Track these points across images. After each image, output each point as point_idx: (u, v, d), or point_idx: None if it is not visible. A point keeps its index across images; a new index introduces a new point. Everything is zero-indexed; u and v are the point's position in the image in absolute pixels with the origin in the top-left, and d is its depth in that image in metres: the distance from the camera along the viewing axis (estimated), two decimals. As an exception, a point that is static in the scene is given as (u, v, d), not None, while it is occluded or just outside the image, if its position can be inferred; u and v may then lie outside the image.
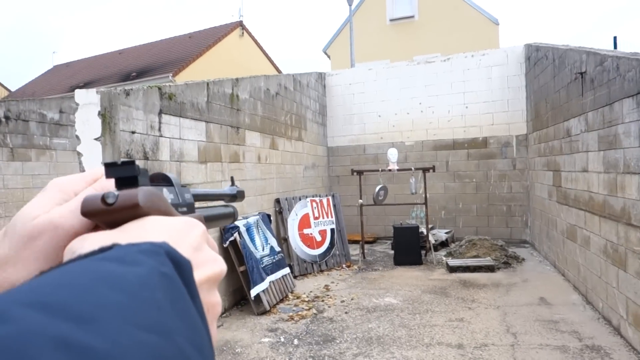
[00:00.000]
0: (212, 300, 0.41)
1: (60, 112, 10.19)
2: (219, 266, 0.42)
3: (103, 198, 0.40)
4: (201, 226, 0.44)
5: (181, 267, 0.35)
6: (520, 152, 10.77)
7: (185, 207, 0.52)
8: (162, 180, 0.52)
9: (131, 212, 0.41)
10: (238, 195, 0.77)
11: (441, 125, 11.51)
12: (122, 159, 0.43)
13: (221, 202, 0.74)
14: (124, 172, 0.43)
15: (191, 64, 20.16)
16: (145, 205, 0.41)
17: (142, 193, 0.41)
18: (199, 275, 0.38)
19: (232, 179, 0.85)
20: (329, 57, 24.65)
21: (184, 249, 0.39)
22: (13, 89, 28.33)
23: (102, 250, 0.34)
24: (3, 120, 8.93)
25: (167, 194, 0.48)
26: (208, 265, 0.41)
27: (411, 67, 11.84)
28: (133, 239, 0.37)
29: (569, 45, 7.46)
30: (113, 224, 0.41)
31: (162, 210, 0.43)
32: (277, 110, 8.98)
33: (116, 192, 0.41)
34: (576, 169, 6.58)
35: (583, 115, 6.24)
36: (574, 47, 6.96)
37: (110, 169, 0.43)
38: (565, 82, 7.18)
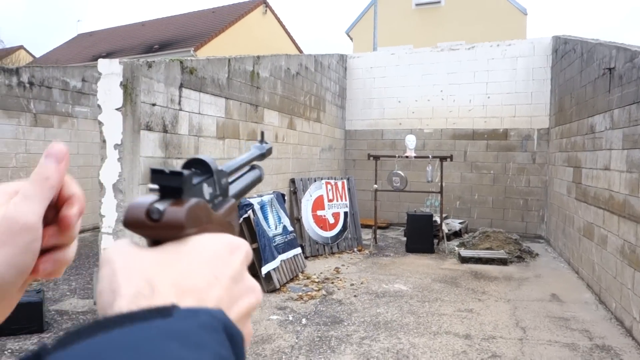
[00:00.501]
0: (246, 331, 0.40)
1: (83, 80, 10.25)
2: (256, 296, 0.42)
3: (148, 212, 0.40)
4: (242, 248, 0.43)
5: (234, 339, 0.35)
6: (541, 146, 10.64)
7: (221, 195, 0.51)
8: (199, 166, 0.49)
9: (173, 233, 0.40)
10: (267, 153, 0.74)
11: (461, 115, 11.40)
12: (170, 168, 0.43)
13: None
14: (169, 182, 0.42)
15: (213, 39, 20.12)
16: (188, 225, 0.40)
17: (187, 214, 0.40)
18: (238, 308, 0.39)
19: (262, 134, 0.80)
20: (351, 39, 24.46)
21: (224, 283, 0.38)
22: (38, 56, 28.52)
23: (160, 311, 0.33)
24: (27, 85, 9.00)
25: (206, 189, 0.47)
26: (246, 297, 0.41)
27: (434, 53, 11.69)
28: (177, 274, 0.37)
29: (598, 39, 7.31)
30: (152, 238, 0.41)
31: (203, 223, 0.43)
32: (296, 90, 8.94)
33: (161, 207, 0.40)
34: (598, 166, 6.48)
35: (609, 112, 6.12)
36: (603, 42, 6.81)
37: (157, 175, 0.42)
38: (592, 77, 7.05)
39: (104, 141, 4.57)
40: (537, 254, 8.65)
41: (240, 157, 0.65)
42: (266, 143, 0.75)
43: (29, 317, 4.82)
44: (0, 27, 53.65)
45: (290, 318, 5.35)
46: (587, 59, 7.45)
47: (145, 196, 0.43)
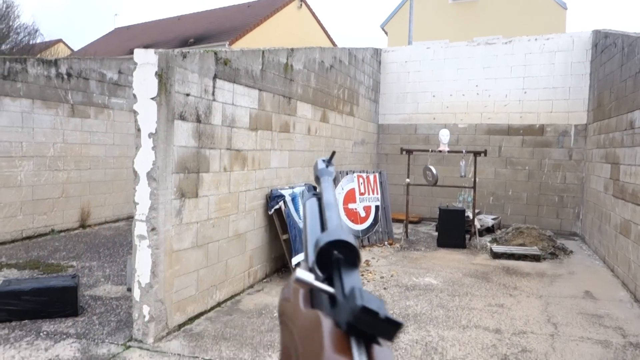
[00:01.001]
0: None
1: (119, 72, 10.45)
2: None
3: None
4: None
5: None
6: (578, 142, 10.41)
7: None
8: (344, 249, 0.40)
9: None
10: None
11: (497, 110, 11.23)
12: (385, 312, 0.35)
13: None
14: (377, 329, 0.35)
15: (248, 33, 20.25)
16: None
17: None
18: None
19: (332, 154, 0.69)
20: (386, 33, 24.30)
21: None
22: (76, 49, 29.17)
23: None
24: (65, 77, 9.22)
25: None
26: None
27: (470, 47, 11.54)
28: None
29: (640, 32, 7.10)
30: None
31: None
32: (330, 83, 8.94)
33: None
34: (637, 162, 6.31)
35: (649, 107, 5.96)
36: (645, 35, 6.62)
37: (367, 315, 0.34)
38: (633, 72, 6.86)
39: (139, 130, 4.66)
40: (571, 251, 8.48)
41: (330, 200, 0.53)
42: (332, 165, 0.65)
43: (64, 301, 4.96)
44: (40, 21, 55.03)
45: (319, 308, 5.37)
46: (628, 52, 7.25)
47: (332, 338, 0.34)
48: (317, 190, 0.60)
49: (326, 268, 0.39)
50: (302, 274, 0.36)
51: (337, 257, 0.38)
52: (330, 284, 0.39)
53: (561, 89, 10.60)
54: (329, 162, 0.64)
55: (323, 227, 0.46)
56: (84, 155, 9.64)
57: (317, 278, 0.38)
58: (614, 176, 7.45)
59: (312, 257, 0.40)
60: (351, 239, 0.39)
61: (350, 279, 0.37)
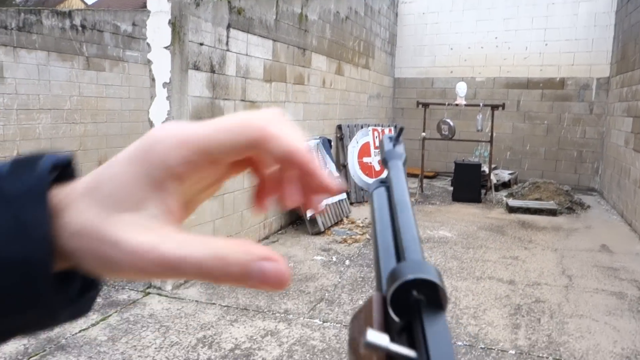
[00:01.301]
0: None
1: (133, 24, 10.34)
2: None
3: None
4: None
5: None
6: (600, 96, 10.18)
7: None
8: (424, 288, 0.29)
9: None
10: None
11: (516, 63, 10.98)
12: None
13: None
14: None
15: (263, -15, 19.85)
16: None
17: None
18: None
19: (400, 131, 0.54)
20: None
21: None
22: (90, 3, 28.89)
23: None
24: (80, 29, 9.15)
25: None
26: None
27: (491, -2, 11.21)
28: None
29: (668, -21, 6.84)
30: None
31: None
32: (345, 35, 8.77)
33: None
34: (659, 114, 6.18)
35: (674, 57, 5.78)
36: (674, -18, 6.38)
37: None
38: (659, 20, 6.64)
39: (153, 80, 4.63)
40: (588, 206, 8.41)
41: (402, 197, 0.42)
42: (400, 143, 0.51)
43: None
44: (56, -25, 54.46)
45: (334, 259, 5.43)
46: (654, 0, 7.01)
47: None
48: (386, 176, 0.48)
49: (404, 313, 0.30)
50: (374, 337, 0.26)
51: (417, 299, 0.29)
52: (410, 335, 0.29)
53: (584, 41, 10.32)
54: (396, 140, 0.50)
55: (395, 233, 0.39)
56: (100, 109, 9.64)
57: (392, 322, 0.29)
58: (635, 130, 7.31)
59: (385, 287, 0.31)
60: (436, 278, 0.28)
61: (437, 339, 0.27)
